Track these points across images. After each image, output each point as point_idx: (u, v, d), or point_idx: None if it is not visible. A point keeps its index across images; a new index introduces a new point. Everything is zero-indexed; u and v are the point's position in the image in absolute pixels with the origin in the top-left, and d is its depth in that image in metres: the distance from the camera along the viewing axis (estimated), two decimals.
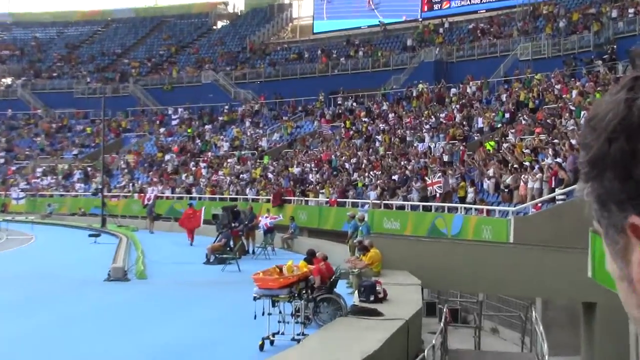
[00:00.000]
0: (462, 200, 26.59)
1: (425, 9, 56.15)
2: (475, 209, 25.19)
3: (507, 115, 33.94)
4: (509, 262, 17.65)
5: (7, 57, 75.54)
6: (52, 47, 76.66)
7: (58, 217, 48.62)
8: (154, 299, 18.45)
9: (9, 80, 71.69)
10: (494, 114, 34.86)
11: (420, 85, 45.28)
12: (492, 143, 30.35)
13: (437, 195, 27.88)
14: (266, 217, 30.11)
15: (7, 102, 67.87)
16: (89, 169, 54.60)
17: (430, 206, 27.92)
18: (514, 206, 23.78)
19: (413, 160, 32.78)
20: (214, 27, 73.21)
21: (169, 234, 37.44)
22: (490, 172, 26.74)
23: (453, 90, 42.71)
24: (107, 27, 78.33)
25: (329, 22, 62.59)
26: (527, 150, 26.98)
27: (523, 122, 31.69)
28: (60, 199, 52.11)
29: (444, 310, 17.73)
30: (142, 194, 44.91)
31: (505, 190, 25.13)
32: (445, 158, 31.59)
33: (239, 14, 74.47)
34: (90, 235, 33.95)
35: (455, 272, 17.88)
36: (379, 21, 58.36)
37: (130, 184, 49.66)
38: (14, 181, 56.24)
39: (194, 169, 47.87)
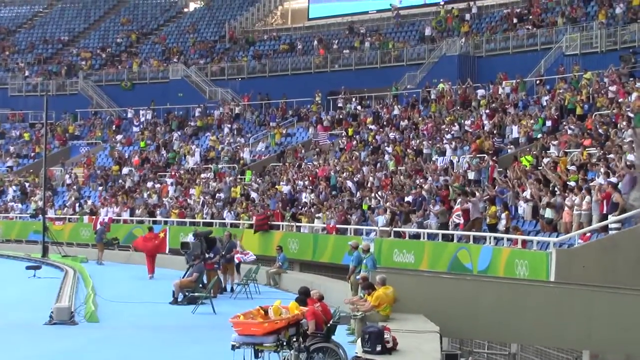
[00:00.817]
0: (493, 228, 26.76)
1: None
2: (508, 239, 25.35)
3: (548, 123, 34.17)
4: (549, 305, 17.79)
5: None
6: None
7: None
8: (108, 347, 18.55)
9: None
10: (532, 121, 35.10)
11: (441, 85, 45.57)
12: (530, 158, 30.55)
13: (460, 222, 28.07)
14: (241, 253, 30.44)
15: None
16: (26, 184, 54.68)
17: (452, 235, 28.08)
18: (556, 236, 23.93)
19: (431, 178, 32.97)
20: (185, 10, 73.58)
21: (126, 266, 37.60)
22: (527, 193, 26.90)
23: (481, 92, 42.98)
24: (50, 8, 78.60)
25: (327, 5, 62.96)
26: (572, 167, 27.17)
27: (569, 131, 31.92)
28: None
29: None
30: (94, 217, 45.03)
31: (546, 216, 25.30)
32: (471, 175, 31.77)
33: None
34: (28, 268, 33.99)
35: (483, 317, 18.01)
36: (390, 4, 58.74)
37: (79, 204, 49.78)
38: None
39: (158, 186, 48.04)
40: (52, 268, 36.07)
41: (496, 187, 28.86)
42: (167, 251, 35.65)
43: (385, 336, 14.46)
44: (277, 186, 40.94)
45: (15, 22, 77.40)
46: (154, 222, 42.36)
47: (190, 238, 30.24)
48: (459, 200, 28.33)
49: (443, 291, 18.56)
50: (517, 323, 17.88)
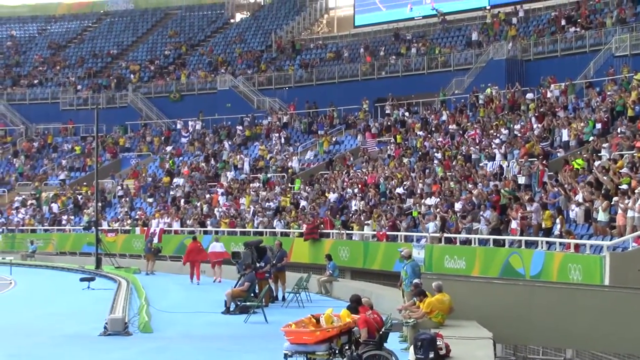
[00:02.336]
0: (547, 232, 26.58)
1: None
2: (561, 244, 25.14)
3: (598, 125, 33.85)
4: (604, 309, 17.60)
5: None
6: (33, 47, 78.04)
7: (42, 257, 49.33)
8: (162, 357, 18.64)
9: None
10: (582, 124, 34.80)
11: (489, 90, 45.34)
12: (581, 161, 30.29)
13: (514, 226, 27.88)
14: None
15: None
16: (79, 197, 55.28)
17: (503, 240, 27.92)
18: (610, 239, 23.69)
19: (480, 183, 32.80)
20: (232, 21, 74.04)
21: (178, 277, 37.84)
22: (579, 197, 26.68)
23: (530, 96, 42.70)
24: (99, 22, 79.60)
25: (373, 14, 62.91)
26: (625, 170, 26.88)
27: (620, 134, 31.59)
28: (44, 234, 52.85)
29: None
30: (145, 228, 45.39)
31: (598, 220, 25.06)
32: (521, 180, 31.57)
33: (262, 3, 75.23)
34: (82, 280, 34.36)
35: (536, 322, 17.87)
36: (436, 10, 58.59)
37: (130, 216, 50.22)
38: None
39: (208, 196, 48.29)
40: (106, 279, 36.43)
41: (548, 192, 28.66)
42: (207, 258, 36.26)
43: (438, 343, 14.39)
44: (326, 194, 40.96)
45: (66, 37, 78.45)
46: (205, 232, 42.69)
47: (241, 248, 30.38)
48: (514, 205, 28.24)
49: (495, 297, 18.45)
50: (572, 328, 17.72)
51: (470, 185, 33.09)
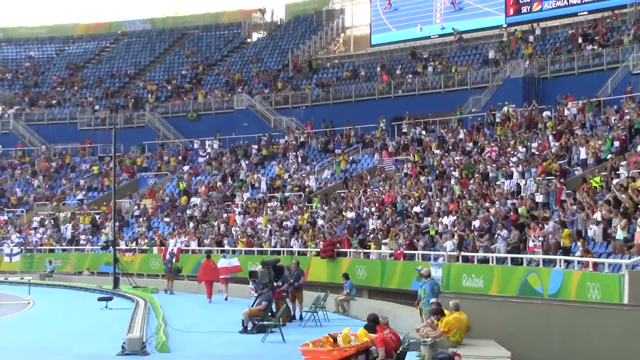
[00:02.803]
0: (566, 251, 26.52)
1: (511, 12, 56.30)
2: (579, 262, 25.07)
3: (617, 143, 33.78)
4: (623, 328, 17.53)
5: None
6: (51, 68, 78.64)
7: (60, 277, 49.53)
8: None
9: None
10: (600, 142, 34.73)
11: (506, 108, 45.33)
12: (599, 179, 30.23)
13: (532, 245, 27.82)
14: None
15: None
16: (97, 217, 55.50)
17: (521, 259, 27.86)
18: (629, 258, 23.60)
19: (498, 202, 32.77)
20: (248, 40, 74.40)
21: (196, 296, 37.89)
22: (597, 215, 26.61)
23: (547, 113, 42.65)
24: (116, 43, 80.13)
25: (390, 33, 63.06)
26: None
27: (638, 152, 31.51)
28: (62, 254, 53.07)
29: None
30: (163, 247, 45.50)
31: (617, 238, 24.97)
32: (539, 198, 31.53)
33: (279, 23, 75.59)
34: (100, 299, 34.43)
35: (554, 341, 17.81)
36: (453, 29, 58.72)
37: (148, 235, 50.37)
38: (6, 233, 57.41)
39: (225, 215, 48.39)
40: (123, 299, 36.51)
41: (566, 210, 28.60)
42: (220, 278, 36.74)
43: None
44: (343, 213, 40.98)
45: (83, 57, 79.02)
46: (222, 252, 42.76)
47: (258, 267, 30.40)
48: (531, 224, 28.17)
49: (513, 316, 18.42)
50: (591, 347, 17.65)
51: (487, 204, 33.05)
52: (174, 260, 41.96)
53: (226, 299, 35.70)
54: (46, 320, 30.69)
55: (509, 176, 35.92)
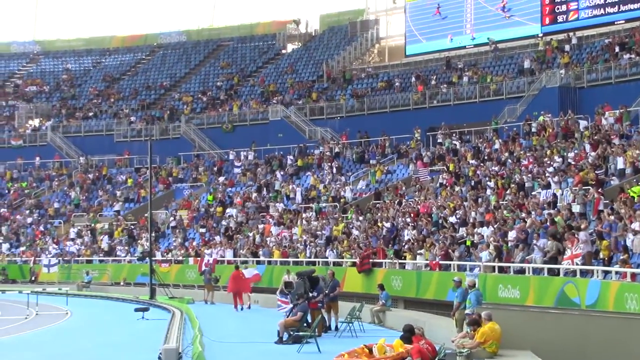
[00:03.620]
0: (606, 263, 26.33)
1: (547, 21, 56.05)
2: (617, 273, 24.88)
3: None
4: None
5: (34, 94, 78.48)
6: (87, 80, 79.38)
7: (98, 288, 49.93)
8: None
9: (36, 122, 74.24)
10: (637, 151, 34.48)
11: (542, 118, 45.11)
12: (637, 189, 30.00)
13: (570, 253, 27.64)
14: None
15: (34, 148, 70.40)
16: (133, 228, 55.85)
17: (558, 269, 27.71)
18: None
19: (534, 212, 32.62)
20: (283, 52, 74.65)
21: (231, 307, 38.05)
22: (635, 225, 26.41)
23: (584, 123, 42.40)
24: (152, 55, 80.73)
25: (424, 43, 63.02)
26: None
27: None
28: (99, 265, 53.48)
29: None
30: (199, 258, 45.70)
31: None
32: (576, 208, 31.34)
33: (313, 34, 75.79)
34: (136, 310, 34.64)
35: (592, 352, 17.72)
36: (488, 38, 58.58)
37: (184, 246, 50.61)
38: (44, 244, 57.93)
39: (261, 226, 48.52)
40: (160, 310, 36.73)
41: (603, 221, 28.41)
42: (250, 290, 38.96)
43: None
44: (378, 223, 40.96)
45: (120, 69, 79.68)
46: (258, 262, 42.91)
47: (293, 277, 30.48)
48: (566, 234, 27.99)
49: (550, 326, 18.34)
50: (628, 358, 17.51)
51: (523, 214, 32.90)
52: (211, 270, 42.17)
53: (249, 307, 37.34)
54: (83, 331, 30.95)
55: (545, 186, 35.73)
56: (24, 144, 71.20)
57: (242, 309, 37.41)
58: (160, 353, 21.38)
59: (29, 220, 62.09)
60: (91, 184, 65.35)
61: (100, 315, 37.05)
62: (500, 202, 35.97)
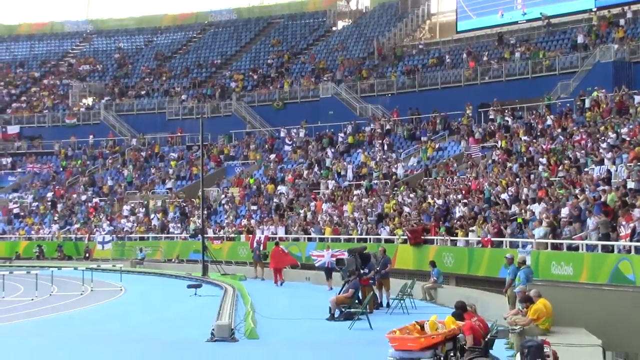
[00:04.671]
0: None
1: None
2: None
3: None
4: None
5: (87, 73, 79.23)
6: (139, 59, 79.93)
7: (151, 265, 50.38)
8: None
9: (89, 101, 75.01)
10: None
11: (596, 93, 44.54)
12: None
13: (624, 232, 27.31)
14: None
15: (88, 127, 71.13)
16: (185, 205, 56.23)
17: (612, 246, 27.39)
18: None
19: (588, 189, 32.25)
20: (334, 29, 74.46)
21: (283, 284, 38.26)
22: None
23: (638, 98, 41.80)
24: (203, 33, 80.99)
25: (475, 19, 62.45)
26: None
27: None
28: (153, 242, 53.93)
29: None
30: (251, 235, 45.90)
31: None
32: (631, 184, 30.92)
33: (364, 11, 75.48)
34: (189, 286, 34.95)
35: None
36: (540, 13, 57.86)
37: (235, 224, 50.82)
38: (98, 222, 58.58)
39: (312, 203, 48.58)
40: (212, 286, 37.00)
41: None
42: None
43: (545, 350, 14.21)
44: (429, 200, 40.81)
45: (171, 48, 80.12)
46: (309, 240, 42.99)
47: (345, 254, 30.53)
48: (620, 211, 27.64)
49: (604, 304, 18.15)
50: None
51: (577, 191, 32.54)
52: (261, 247, 42.40)
53: (282, 284, 38.36)
54: (137, 307, 31.32)
55: (599, 162, 35.30)
56: (78, 123, 71.97)
57: (281, 284, 38.11)
58: (213, 329, 21.58)
59: (83, 197, 62.83)
60: (144, 161, 65.88)
61: (154, 292, 37.44)
62: (553, 179, 35.61)
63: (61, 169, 68.67)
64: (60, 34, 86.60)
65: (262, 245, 42.65)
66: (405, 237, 37.35)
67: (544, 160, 38.59)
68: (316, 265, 37.49)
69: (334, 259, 33.49)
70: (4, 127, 73.38)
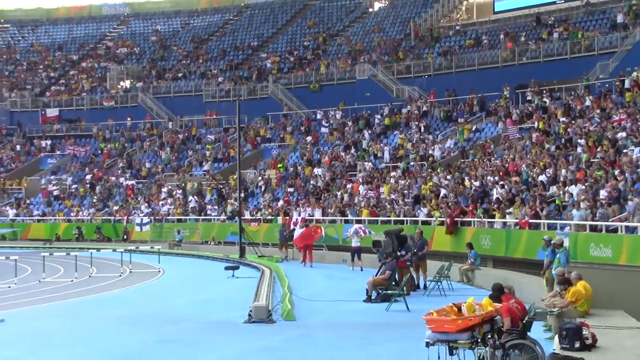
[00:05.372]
0: None
1: None
2: None
3: None
4: None
5: (125, 56, 79.63)
6: (177, 41, 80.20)
7: (188, 246, 50.66)
8: (306, 345, 18.92)
9: (127, 84, 75.44)
10: None
11: (635, 73, 44.06)
12: None
13: None
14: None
15: (125, 109, 71.51)
16: (222, 187, 56.42)
17: None
18: None
19: (627, 170, 31.95)
20: (370, 10, 74.24)
21: (320, 265, 38.32)
22: None
23: None
24: (239, 15, 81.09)
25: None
26: None
27: None
28: (190, 224, 54.21)
29: None
30: (287, 217, 46.00)
31: None
32: None
33: None
34: (226, 268, 35.13)
35: None
36: None
37: (272, 206, 50.94)
38: (136, 204, 58.95)
39: (349, 185, 48.56)
40: (249, 268, 37.17)
41: None
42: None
43: (583, 332, 14.16)
44: (467, 182, 40.66)
45: (208, 30, 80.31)
46: (346, 222, 43.00)
47: (381, 236, 30.54)
48: None
49: None
50: None
51: (616, 172, 32.25)
52: (286, 229, 42.62)
53: (311, 265, 38.74)
54: (175, 289, 31.52)
55: (639, 144, 34.94)
56: (116, 105, 72.41)
57: (311, 266, 38.46)
58: (251, 310, 21.68)
59: (121, 180, 63.24)
60: (181, 144, 66.16)
61: (192, 274, 37.65)
62: (592, 160, 35.31)
63: (99, 152, 69.17)
64: (98, 17, 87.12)
65: (287, 226, 42.88)
66: (443, 220, 37.23)
67: (582, 142, 38.28)
68: (347, 235, 38.04)
69: (360, 226, 35.80)
70: (43, 110, 74.03)
